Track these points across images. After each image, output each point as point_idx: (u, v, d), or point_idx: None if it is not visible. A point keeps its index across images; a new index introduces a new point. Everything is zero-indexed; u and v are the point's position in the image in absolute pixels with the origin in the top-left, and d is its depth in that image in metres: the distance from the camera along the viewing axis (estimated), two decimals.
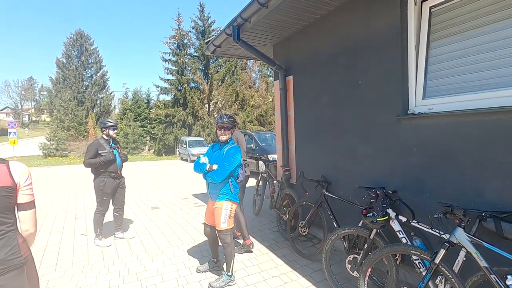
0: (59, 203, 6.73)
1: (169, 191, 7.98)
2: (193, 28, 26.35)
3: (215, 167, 2.79)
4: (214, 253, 3.18)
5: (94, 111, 37.13)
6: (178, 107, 25.59)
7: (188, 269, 3.23)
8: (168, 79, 25.98)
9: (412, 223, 2.31)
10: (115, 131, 3.97)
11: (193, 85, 26.14)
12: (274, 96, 27.16)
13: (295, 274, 3.09)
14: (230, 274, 2.88)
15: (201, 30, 26.25)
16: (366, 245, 2.50)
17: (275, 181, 4.75)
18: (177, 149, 23.06)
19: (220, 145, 2.93)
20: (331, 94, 3.58)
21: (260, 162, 5.25)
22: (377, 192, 2.49)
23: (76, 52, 40.85)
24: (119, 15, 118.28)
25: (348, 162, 3.33)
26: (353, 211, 3.13)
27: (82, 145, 25.50)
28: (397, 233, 2.41)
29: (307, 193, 3.54)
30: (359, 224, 2.80)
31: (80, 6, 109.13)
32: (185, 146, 19.23)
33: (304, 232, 3.59)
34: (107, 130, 3.90)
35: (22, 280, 1.40)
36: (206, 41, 5.08)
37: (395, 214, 2.44)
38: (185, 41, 26.19)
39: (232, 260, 2.89)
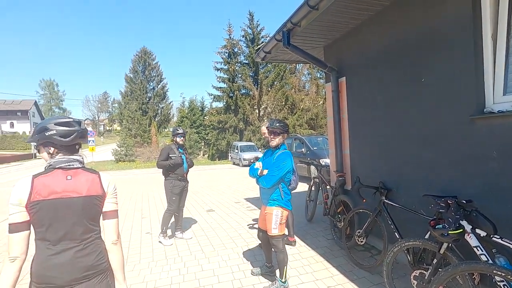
0: (128, 203, 7.50)
1: (223, 194, 8.29)
2: (243, 37, 27.23)
3: (265, 172, 2.81)
4: (268, 257, 3.19)
5: (156, 119, 40.67)
6: (230, 113, 26.57)
7: (243, 272, 3.30)
8: (220, 87, 27.19)
9: (494, 239, 2.00)
10: (182, 138, 4.32)
11: (244, 91, 26.91)
12: (325, 99, 26.47)
13: (352, 286, 2.92)
14: (283, 280, 2.85)
15: (251, 38, 26.96)
16: (435, 260, 2.25)
17: (328, 187, 4.59)
18: (229, 154, 23.91)
19: (272, 150, 2.94)
20: (390, 94, 3.34)
21: (312, 167, 5.15)
22: (448, 201, 2.23)
23: (141, 68, 45.43)
24: (176, 31, 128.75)
25: (411, 168, 3.05)
26: (418, 222, 2.85)
27: (146, 151, 28.13)
28: (474, 249, 2.11)
29: (364, 200, 3.34)
30: (426, 236, 2.53)
31: (143, 26, 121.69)
32: (236, 151, 19.83)
33: (362, 241, 3.38)
34: (176, 137, 4.27)
35: (107, 284, 1.50)
36: (256, 48, 5.18)
37: (471, 227, 2.14)
38: (236, 49, 27.17)
39: (285, 267, 2.86)
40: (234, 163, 20.75)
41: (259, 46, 4.96)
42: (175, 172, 4.22)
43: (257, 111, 27.04)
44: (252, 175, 2.94)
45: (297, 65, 30.41)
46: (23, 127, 55.86)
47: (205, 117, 31.73)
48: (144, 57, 45.50)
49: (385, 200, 3.12)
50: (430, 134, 2.81)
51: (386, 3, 3.23)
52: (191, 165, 4.47)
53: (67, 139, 1.40)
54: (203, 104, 33.67)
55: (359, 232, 3.39)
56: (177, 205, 4.32)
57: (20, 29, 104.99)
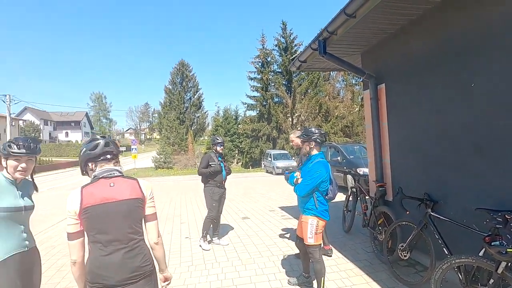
0: (168, 208, 7.87)
1: (257, 202, 8.35)
2: (276, 46, 27.52)
3: (299, 181, 2.82)
4: (305, 267, 3.15)
5: (192, 128, 42.36)
6: (263, 122, 26.81)
7: (279, 281, 3.29)
8: (254, 96, 27.64)
9: None
10: (221, 147, 4.50)
11: (277, 99, 27.05)
12: (361, 106, 25.58)
13: None
14: None
15: (284, 47, 27.16)
16: (492, 281, 2.06)
17: (367, 197, 4.42)
18: (263, 162, 24.02)
19: (308, 159, 2.95)
20: (434, 100, 3.17)
21: (349, 176, 5.01)
22: (506, 216, 2.05)
23: (179, 79, 47.90)
24: (211, 42, 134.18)
25: (460, 178, 2.85)
26: (470, 237, 2.63)
27: (183, 158, 29.35)
28: None
29: (407, 212, 3.17)
30: (480, 254, 2.33)
31: (181, 39, 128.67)
32: (270, 159, 19.88)
33: (405, 256, 3.20)
34: (216, 146, 4.45)
35: (152, 285, 1.59)
36: (291, 58, 5.22)
37: None
38: (269, 58, 27.53)
39: (323, 278, 2.80)
40: (267, 171, 20.79)
41: (294, 56, 5.03)
42: (214, 180, 4.37)
43: (290, 119, 26.95)
44: (290, 183, 2.96)
45: (331, 72, 29.94)
46: (76, 136, 61.52)
47: (239, 126, 32.36)
48: (182, 69, 47.96)
49: (431, 213, 2.94)
50: (482, 141, 2.61)
51: (429, 6, 3.11)
52: (229, 172, 4.61)
53: (95, 150, 1.59)
54: (237, 113, 34.39)
55: (402, 246, 3.21)
56: (217, 211, 4.46)
57: (73, 47, 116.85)
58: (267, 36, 27.00)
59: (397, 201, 3.31)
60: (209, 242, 4.56)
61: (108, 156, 1.61)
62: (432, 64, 3.18)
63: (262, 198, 9.13)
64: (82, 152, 1.61)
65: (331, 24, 3.55)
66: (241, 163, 30.08)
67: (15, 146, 1.82)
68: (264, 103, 26.90)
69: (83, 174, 1.64)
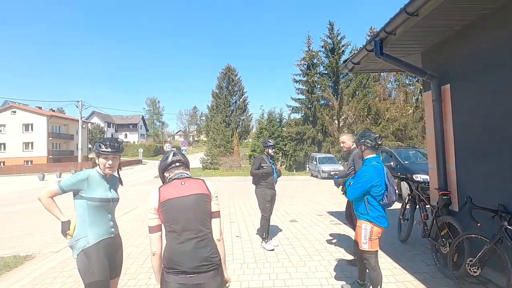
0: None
1: (304, 206, 8.28)
2: (322, 47, 27.06)
3: (350, 184, 2.79)
4: (361, 274, 3.07)
5: (237, 131, 43.52)
6: (308, 125, 26.47)
7: (332, 286, 3.26)
8: (299, 99, 27.47)
9: None
10: (273, 150, 4.63)
11: (323, 102, 26.50)
12: (415, 107, 23.68)
13: None
14: None
15: (330, 48, 26.56)
16: None
17: (428, 206, 4.13)
18: (307, 165, 23.67)
19: (363, 162, 2.89)
20: (510, 100, 2.86)
21: (404, 183, 4.74)
22: None
23: (225, 83, 49.67)
24: (256, 46, 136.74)
25: None
26: None
27: (229, 160, 30.30)
28: None
29: (478, 224, 2.90)
30: None
31: (227, 44, 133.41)
32: (315, 162, 19.52)
33: (475, 272, 2.91)
34: (267, 148, 4.57)
35: (219, 280, 1.72)
36: (344, 60, 5.10)
37: None
38: (315, 60, 27.12)
39: (379, 286, 2.70)
40: (312, 175, 20.44)
41: (347, 58, 4.91)
42: (266, 181, 4.49)
43: (337, 122, 26.16)
44: (345, 186, 2.95)
45: (381, 73, 28.34)
46: (133, 138, 67.47)
47: (283, 129, 32.36)
48: (228, 73, 49.66)
49: (508, 227, 2.65)
50: None
51: None
52: (279, 174, 4.70)
53: (166, 161, 1.88)
54: (281, 116, 34.46)
55: (471, 261, 2.93)
56: (270, 211, 4.56)
57: (131, 53, 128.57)
58: (313, 38, 26.59)
59: (465, 212, 3.04)
60: (260, 243, 4.65)
61: (177, 164, 1.85)
62: (507, 61, 2.88)
63: (308, 201, 9.03)
64: (159, 165, 1.89)
65: (390, 24, 3.43)
66: (284, 166, 30.00)
67: (103, 146, 2.13)
68: (310, 105, 26.56)
69: (164, 183, 1.85)
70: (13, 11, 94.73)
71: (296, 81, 27.63)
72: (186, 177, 1.79)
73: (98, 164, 2.18)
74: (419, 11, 3.02)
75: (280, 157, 31.28)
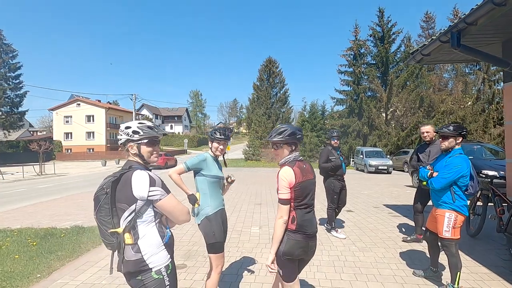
0: (270, 195, 8.63)
1: (357, 198, 8.32)
2: (370, 36, 25.88)
3: (435, 174, 2.88)
4: (433, 261, 3.19)
5: (278, 123, 43.67)
6: (353, 117, 25.72)
7: (402, 271, 3.41)
8: (344, 90, 26.73)
9: None
10: (336, 141, 4.68)
11: (370, 93, 25.46)
12: (476, 99, 21.60)
13: None
14: (456, 286, 2.82)
15: (380, 36, 25.28)
16: None
17: (505, 204, 4.01)
18: (352, 159, 23.13)
19: (444, 154, 2.97)
20: None
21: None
22: None
23: (266, 76, 49.86)
24: (299, 36, 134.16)
25: None
26: None
27: (269, 152, 30.78)
28: None
29: None
30: None
31: (269, 36, 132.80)
32: (361, 156, 19.02)
33: None
34: (331, 140, 4.72)
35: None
36: (411, 51, 4.92)
37: None
38: (362, 50, 26.04)
39: (458, 273, 2.81)
40: (357, 169, 19.97)
41: (415, 49, 4.85)
42: (336, 174, 4.64)
43: (384, 115, 24.99)
44: (422, 177, 3.06)
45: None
46: (178, 129, 71.27)
47: (326, 121, 31.77)
48: (269, 65, 49.71)
49: None
50: None
51: None
52: (347, 164, 4.77)
53: (302, 139, 2.10)
54: (323, 108, 33.82)
55: None
56: (337, 203, 4.73)
57: (175, 48, 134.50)
58: (360, 27, 25.37)
59: None
60: (329, 230, 4.80)
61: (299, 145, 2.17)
62: None
63: (360, 194, 9.02)
64: (298, 135, 2.07)
65: (472, 14, 3.40)
66: None
67: (218, 133, 2.54)
68: (355, 97, 25.71)
69: (291, 151, 2.09)
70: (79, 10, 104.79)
71: (341, 72, 26.86)
72: (302, 160, 2.11)
73: (211, 148, 2.61)
74: (508, 1, 2.97)
75: (321, 150, 30.85)
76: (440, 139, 3.01)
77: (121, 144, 1.66)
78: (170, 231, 1.73)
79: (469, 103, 23.58)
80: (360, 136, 25.49)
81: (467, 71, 23.98)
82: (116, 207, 1.55)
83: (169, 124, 72.90)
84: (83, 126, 44.67)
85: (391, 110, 25.25)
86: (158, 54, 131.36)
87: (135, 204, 1.52)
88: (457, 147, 2.87)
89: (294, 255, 2.00)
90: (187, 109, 77.10)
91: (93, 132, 45.09)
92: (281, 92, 49.43)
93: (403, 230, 4.98)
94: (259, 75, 50.71)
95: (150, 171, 1.63)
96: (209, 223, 2.46)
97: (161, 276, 1.59)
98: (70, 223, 5.93)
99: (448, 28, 3.84)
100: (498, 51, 4.21)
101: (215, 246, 2.46)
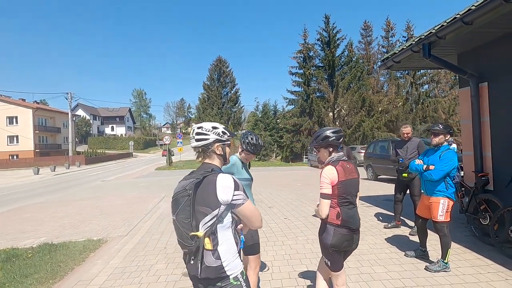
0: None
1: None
2: (318, 40, 27.58)
3: (432, 167, 3.35)
4: (422, 243, 3.69)
5: (229, 123, 43.63)
6: (304, 117, 27.12)
7: (396, 254, 3.87)
8: (295, 91, 28.00)
9: None
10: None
11: (319, 94, 27.17)
12: (406, 100, 24.38)
13: None
14: (446, 261, 3.33)
15: (326, 41, 27.12)
16: None
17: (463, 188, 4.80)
18: (305, 156, 24.51)
19: (434, 149, 3.47)
20: None
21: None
22: None
23: (216, 75, 49.39)
24: (250, 38, 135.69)
25: None
26: None
27: (226, 152, 30.65)
28: None
29: None
30: None
31: (218, 36, 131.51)
32: (315, 153, 20.24)
33: None
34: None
35: None
36: (383, 58, 5.49)
37: None
38: (311, 53, 27.64)
39: (449, 250, 3.32)
40: (312, 165, 21.21)
41: (386, 56, 5.46)
42: None
43: (331, 114, 26.98)
44: (415, 170, 3.51)
45: (374, 66, 29.36)
46: (121, 130, 66.01)
47: (278, 120, 32.93)
48: (219, 65, 49.36)
49: None
50: None
51: None
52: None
53: (339, 140, 2.26)
54: (275, 108, 34.99)
55: None
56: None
57: (115, 45, 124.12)
58: (309, 31, 27.01)
59: (509, 188, 3.71)
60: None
61: (341, 145, 2.34)
62: None
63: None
64: (331, 138, 2.23)
65: (443, 30, 3.99)
66: (280, 157, 30.70)
67: (251, 147, 2.55)
68: (306, 97, 27.13)
69: (330, 152, 2.25)
70: None
71: (293, 74, 28.10)
72: (345, 160, 2.26)
73: (240, 153, 2.62)
74: (475, 21, 3.59)
75: (275, 149, 31.90)
76: (432, 136, 3.48)
77: (203, 145, 1.59)
78: (243, 237, 1.74)
79: (400, 103, 27.00)
80: (312, 134, 27.04)
81: (398, 75, 27.31)
82: (195, 210, 1.49)
83: (110, 126, 67.07)
84: (3, 129, 38.36)
85: (337, 109, 27.36)
86: (97, 50, 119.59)
87: (218, 209, 1.48)
88: (445, 143, 3.38)
89: (341, 247, 2.17)
90: (130, 109, 71.92)
91: (16, 136, 39.07)
92: (232, 91, 49.56)
93: (381, 218, 5.57)
94: (209, 75, 49.93)
95: None
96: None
97: (239, 282, 1.59)
98: (32, 241, 5.18)
99: (420, 40, 4.44)
100: (454, 61, 5.01)
101: (254, 247, 2.50)
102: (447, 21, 3.96)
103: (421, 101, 26.18)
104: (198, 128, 1.60)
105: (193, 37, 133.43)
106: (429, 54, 4.35)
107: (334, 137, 2.24)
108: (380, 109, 26.49)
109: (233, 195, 1.49)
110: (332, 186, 2.15)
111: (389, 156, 8.39)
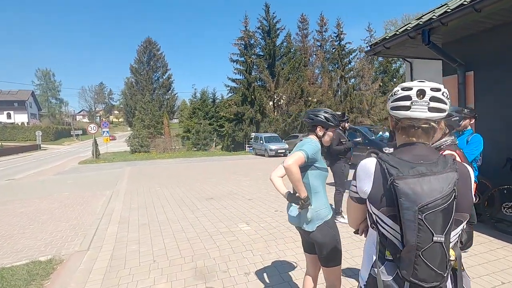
0: (217, 188, 7.92)
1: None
2: (258, 28, 27.38)
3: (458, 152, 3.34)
4: None
5: (161, 110, 40.30)
6: (246, 105, 26.83)
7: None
8: (237, 79, 27.39)
9: None
10: (348, 124, 4.76)
11: (260, 83, 27.20)
12: (336, 92, 26.46)
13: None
14: None
15: (267, 30, 27.14)
16: None
17: None
18: (248, 145, 24.37)
19: (458, 134, 3.46)
20: None
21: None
22: None
23: (146, 58, 44.92)
24: (189, 23, 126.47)
25: None
26: None
27: (161, 142, 28.19)
28: None
29: None
30: None
31: (148, 16, 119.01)
32: (261, 141, 20.27)
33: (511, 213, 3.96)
34: (343, 123, 4.64)
35: None
36: (372, 43, 5.34)
37: None
38: (252, 41, 27.31)
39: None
40: (257, 154, 21.20)
41: (377, 41, 5.40)
42: (345, 156, 4.61)
43: (272, 103, 27.43)
44: None
45: (310, 58, 30.86)
46: (21, 118, 54.61)
47: (217, 108, 31.89)
48: (149, 47, 44.98)
49: None
50: None
51: None
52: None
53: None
54: (214, 96, 33.79)
55: (507, 205, 3.96)
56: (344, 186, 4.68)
57: (14, 17, 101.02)
58: (250, 18, 26.48)
59: (500, 169, 4.03)
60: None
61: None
62: None
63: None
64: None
65: (448, 15, 4.01)
66: (220, 146, 29.90)
67: (333, 119, 2.01)
68: (247, 86, 26.82)
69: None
70: None
71: (234, 61, 27.32)
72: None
73: (321, 136, 2.03)
74: (484, 8, 3.68)
75: (215, 138, 30.87)
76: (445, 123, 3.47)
77: (439, 119, 1.02)
78: None
79: (331, 95, 29.21)
80: (254, 123, 27.02)
81: (330, 68, 29.36)
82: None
83: (5, 112, 54.74)
84: None
85: (277, 99, 27.95)
86: None
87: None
88: (469, 128, 3.40)
89: None
90: (33, 92, 59.79)
91: None
92: (164, 77, 45.96)
93: None
94: (138, 57, 45.33)
95: None
96: (330, 229, 1.95)
97: None
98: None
99: (420, 25, 4.44)
100: None
101: (338, 256, 1.98)
102: (452, 7, 4.01)
103: (349, 93, 28.82)
104: (435, 90, 0.99)
105: (117, 12, 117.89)
106: (429, 40, 4.39)
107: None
108: (315, 99, 28.12)
109: None
110: None
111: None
